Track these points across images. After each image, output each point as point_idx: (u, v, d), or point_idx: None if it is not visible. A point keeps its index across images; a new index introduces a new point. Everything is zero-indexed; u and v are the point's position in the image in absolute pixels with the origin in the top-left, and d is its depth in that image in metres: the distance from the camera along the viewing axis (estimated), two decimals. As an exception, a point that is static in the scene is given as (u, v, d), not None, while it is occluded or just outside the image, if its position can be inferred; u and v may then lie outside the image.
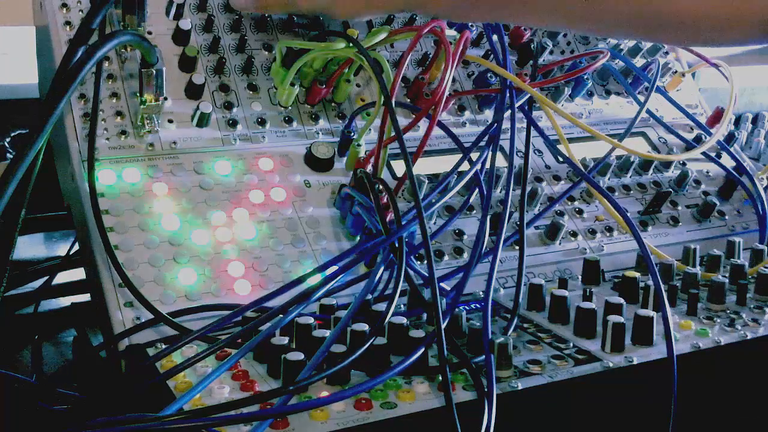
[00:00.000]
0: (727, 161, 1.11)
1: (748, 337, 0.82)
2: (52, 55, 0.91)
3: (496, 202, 0.96)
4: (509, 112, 0.96)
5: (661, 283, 0.81)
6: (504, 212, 0.87)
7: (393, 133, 0.87)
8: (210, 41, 0.96)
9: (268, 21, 1.00)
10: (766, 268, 0.90)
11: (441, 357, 0.71)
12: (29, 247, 1.23)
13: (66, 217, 0.93)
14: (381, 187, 0.84)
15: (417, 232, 0.87)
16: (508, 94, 0.96)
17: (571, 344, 0.79)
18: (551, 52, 1.11)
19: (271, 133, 0.94)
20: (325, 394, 0.68)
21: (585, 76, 1.08)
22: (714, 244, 1.00)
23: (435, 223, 0.92)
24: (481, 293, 0.87)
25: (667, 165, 1.09)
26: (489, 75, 1.04)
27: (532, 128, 0.98)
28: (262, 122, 0.94)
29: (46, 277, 1.10)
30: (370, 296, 0.78)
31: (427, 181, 0.92)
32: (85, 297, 1.02)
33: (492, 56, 1.02)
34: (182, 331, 0.77)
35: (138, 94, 0.88)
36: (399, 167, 0.96)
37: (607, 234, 0.99)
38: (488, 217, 0.86)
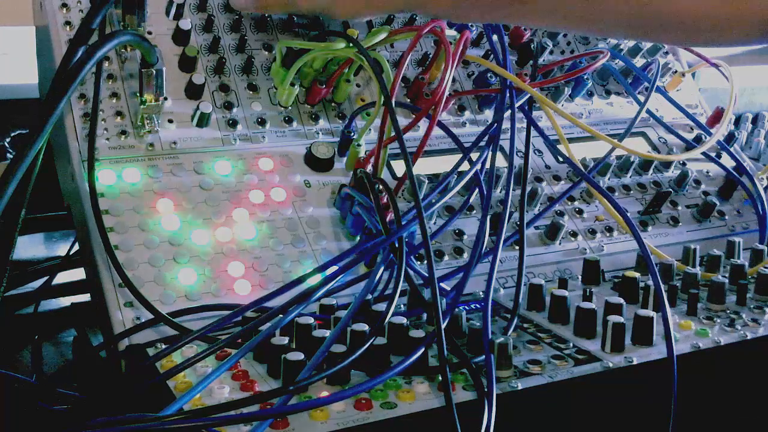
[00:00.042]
0: (727, 161, 1.11)
1: (748, 337, 0.82)
2: (52, 55, 0.91)
3: (496, 202, 0.96)
4: (509, 112, 0.96)
5: (661, 283, 0.81)
6: (504, 212, 0.87)
7: (393, 133, 0.87)
8: (210, 41, 0.96)
9: (268, 21, 1.00)
10: (766, 268, 0.90)
11: (441, 357, 0.71)
12: (29, 247, 1.23)
13: (66, 217, 0.93)
14: (381, 187, 0.84)
15: (417, 232, 0.87)
16: (508, 94, 0.96)
17: (571, 344, 0.79)
18: (551, 52, 1.11)
19: (271, 133, 0.94)
20: (325, 394, 0.68)
21: (585, 76, 1.08)
22: (714, 244, 1.00)
23: (435, 223, 0.92)
24: (481, 293, 0.87)
25: (667, 165, 1.09)
26: (489, 75, 1.04)
27: (532, 128, 0.98)
28: (262, 122, 0.94)
29: (46, 277, 1.10)
30: (370, 296, 0.78)
31: (427, 181, 0.92)
32: (85, 297, 1.03)
33: (492, 56, 1.02)
34: (182, 331, 0.77)
35: (138, 94, 0.88)
36: (399, 167, 0.96)
37: (607, 234, 0.99)
38: (488, 217, 0.86)
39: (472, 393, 0.70)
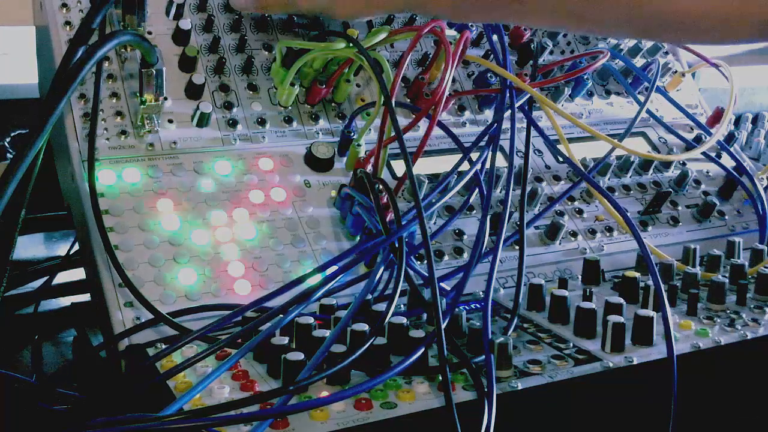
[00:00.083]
0: (727, 161, 1.11)
1: (748, 337, 0.82)
2: (52, 55, 0.91)
3: (496, 202, 0.96)
4: (509, 112, 0.96)
5: (661, 283, 0.81)
6: (504, 212, 0.87)
7: (393, 133, 0.87)
8: (210, 41, 0.96)
9: (268, 21, 1.00)
10: (766, 268, 0.90)
11: (441, 357, 0.71)
12: (29, 247, 1.23)
13: (66, 217, 0.93)
14: (381, 187, 0.84)
15: (417, 232, 0.87)
16: (508, 94, 0.96)
17: (571, 344, 0.79)
18: (551, 52, 1.11)
19: (271, 133, 0.94)
20: (325, 394, 0.68)
21: (585, 76, 1.08)
22: (714, 244, 1.00)
23: (435, 223, 0.92)
24: (481, 293, 0.87)
25: (667, 165, 1.09)
26: (489, 75, 1.04)
27: (532, 128, 0.98)
28: (262, 122, 0.94)
29: (46, 277, 1.10)
30: (370, 296, 0.78)
31: (427, 181, 0.92)
32: (85, 297, 1.03)
33: (492, 56, 1.02)
34: (182, 331, 0.77)
35: (138, 94, 0.88)
36: (399, 167, 0.96)
37: (607, 234, 0.99)
38: (488, 217, 0.86)
39: (472, 393, 0.70)
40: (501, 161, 0.97)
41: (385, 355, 0.71)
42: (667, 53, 1.19)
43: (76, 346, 0.99)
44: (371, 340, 0.70)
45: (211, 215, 0.86)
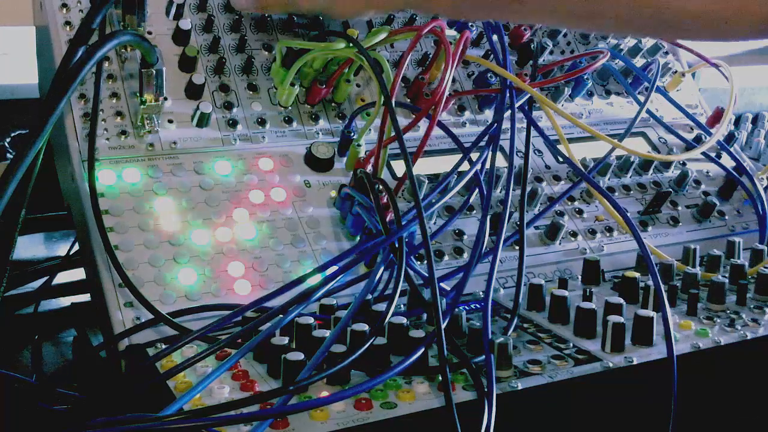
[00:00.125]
0: (727, 161, 1.11)
1: (748, 337, 0.82)
2: (52, 55, 0.91)
3: (496, 202, 0.96)
4: (509, 112, 0.96)
5: (661, 283, 0.81)
6: (504, 212, 0.87)
7: (393, 133, 0.87)
8: (210, 41, 0.96)
9: (268, 21, 1.00)
10: (766, 268, 0.90)
11: (441, 357, 0.71)
12: (29, 247, 1.23)
13: (66, 217, 0.93)
14: (381, 187, 0.84)
15: (417, 232, 0.87)
16: (508, 94, 0.96)
17: (571, 344, 0.79)
18: (551, 52, 1.11)
19: (271, 133, 0.94)
20: (325, 394, 0.68)
21: (585, 76, 1.08)
22: (714, 244, 1.00)
23: (435, 223, 0.92)
24: (481, 293, 0.87)
25: (667, 165, 1.09)
26: (489, 75, 1.04)
27: (532, 128, 0.98)
28: (262, 122, 0.94)
29: (46, 277, 1.10)
30: (370, 296, 0.78)
31: (427, 181, 0.92)
32: (85, 297, 1.03)
33: (492, 56, 1.02)
34: (182, 331, 0.77)
35: (138, 94, 0.88)
36: (399, 167, 0.96)
37: (607, 234, 0.99)
38: (488, 217, 0.86)
39: (472, 393, 0.70)
40: (501, 161, 0.97)
41: (385, 355, 0.71)
42: (667, 53, 1.19)
43: (76, 346, 0.99)
44: (371, 340, 0.70)
45: (211, 215, 0.86)
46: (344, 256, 0.82)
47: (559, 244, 0.96)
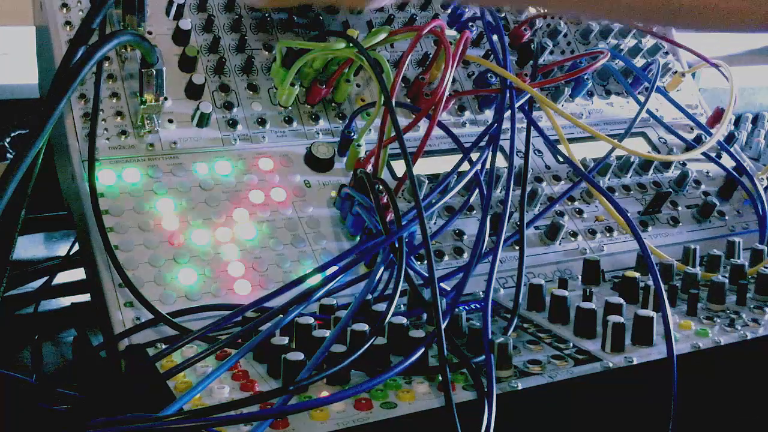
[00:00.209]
0: (727, 161, 1.11)
1: (748, 337, 0.82)
2: (52, 55, 0.91)
3: (496, 202, 0.96)
4: (509, 112, 0.96)
5: (661, 283, 0.81)
6: (504, 212, 0.87)
7: (393, 133, 0.87)
8: (210, 41, 0.96)
9: (268, 21, 1.00)
10: (766, 268, 0.90)
11: (441, 357, 0.71)
12: (29, 247, 1.23)
13: (66, 217, 0.93)
14: (381, 187, 0.84)
15: (417, 232, 0.87)
16: (508, 94, 0.96)
17: (571, 344, 0.79)
18: (551, 52, 1.11)
19: (271, 133, 0.94)
20: (325, 394, 0.68)
21: (585, 76, 1.08)
22: (714, 244, 1.00)
23: (435, 223, 0.92)
24: (481, 293, 0.87)
25: (667, 165, 1.08)
26: (489, 75, 1.04)
27: (532, 128, 0.98)
28: (262, 122, 0.94)
29: (46, 277, 1.10)
30: (370, 296, 0.78)
31: (427, 181, 0.92)
32: (85, 297, 1.02)
33: (492, 56, 1.02)
34: (182, 331, 0.77)
35: (138, 94, 0.88)
36: (399, 167, 0.96)
37: (607, 234, 0.99)
38: (488, 217, 0.86)
39: (472, 393, 0.70)
40: (501, 161, 0.97)
41: (385, 355, 0.71)
42: (667, 53, 1.20)
43: (76, 346, 0.99)
44: (371, 340, 0.70)
45: (211, 215, 0.86)
46: (344, 256, 0.82)
47: (559, 244, 0.96)
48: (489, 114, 1.05)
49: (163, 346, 0.75)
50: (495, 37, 1.01)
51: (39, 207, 0.96)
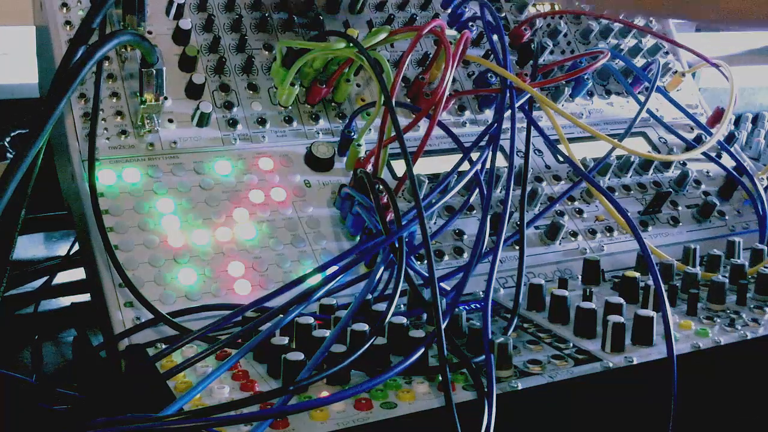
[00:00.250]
0: (728, 161, 1.11)
1: (748, 337, 0.82)
2: (52, 55, 0.91)
3: (496, 202, 0.96)
4: (509, 112, 0.96)
5: (661, 283, 0.81)
6: (504, 212, 0.87)
7: (393, 133, 0.87)
8: (210, 41, 0.96)
9: (269, 21, 1.00)
10: (766, 268, 0.90)
11: (441, 357, 0.71)
12: (29, 247, 1.23)
13: (66, 217, 0.93)
14: (381, 187, 0.84)
15: (417, 232, 0.87)
16: (508, 94, 0.96)
17: (571, 344, 0.79)
18: (551, 52, 1.11)
19: (271, 133, 0.94)
20: (325, 394, 0.68)
21: (585, 76, 1.08)
22: (714, 244, 1.00)
23: (435, 223, 0.92)
24: (481, 293, 0.87)
25: (667, 165, 1.09)
26: (489, 75, 1.04)
27: (532, 128, 0.98)
28: (262, 122, 0.94)
29: (46, 277, 1.10)
30: (370, 296, 0.78)
31: (427, 181, 0.92)
32: (85, 297, 1.02)
33: (492, 56, 1.02)
34: (182, 331, 0.77)
35: (138, 94, 0.88)
36: (399, 167, 0.96)
37: (607, 234, 0.99)
38: (488, 217, 0.86)
39: (472, 393, 0.70)
40: (501, 161, 0.97)
41: (385, 355, 0.71)
42: (667, 53, 1.20)
43: (76, 346, 0.99)
44: (371, 340, 0.70)
45: (211, 215, 0.86)
46: (344, 256, 0.82)
47: (559, 244, 0.96)
48: (489, 114, 1.05)
49: (163, 346, 0.75)
50: (495, 37, 1.01)
51: (39, 207, 0.96)
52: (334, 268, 0.80)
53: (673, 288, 0.86)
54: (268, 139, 0.94)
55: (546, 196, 1.00)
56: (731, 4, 0.85)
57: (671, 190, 1.05)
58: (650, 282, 0.83)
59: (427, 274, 0.80)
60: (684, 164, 1.10)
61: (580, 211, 1.00)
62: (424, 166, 0.94)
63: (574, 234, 0.98)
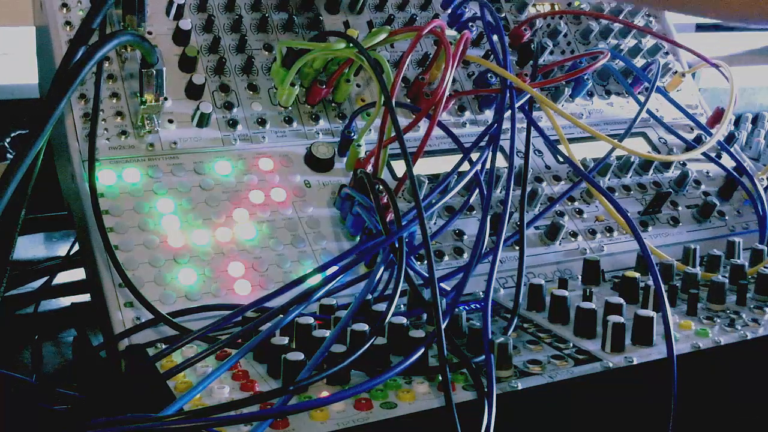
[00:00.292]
0: (727, 161, 1.11)
1: (748, 337, 0.82)
2: (52, 55, 0.91)
3: (496, 203, 0.96)
4: (509, 112, 0.96)
5: (661, 283, 0.81)
6: (504, 212, 0.87)
7: (393, 134, 0.87)
8: (210, 41, 0.96)
9: (269, 21, 1.00)
10: (766, 268, 0.90)
11: (441, 357, 0.71)
12: (29, 247, 1.23)
13: (66, 217, 0.93)
14: (381, 187, 0.84)
15: (417, 233, 0.87)
16: (508, 94, 0.96)
17: (571, 344, 0.79)
18: (551, 52, 1.11)
19: (271, 133, 0.94)
20: (325, 394, 0.68)
21: (585, 77, 1.08)
22: (714, 244, 1.00)
23: (435, 224, 0.92)
24: (481, 293, 0.87)
25: (667, 165, 1.09)
26: (489, 75, 1.04)
27: (532, 128, 0.98)
28: (262, 122, 0.94)
29: (46, 277, 1.10)
30: (370, 296, 0.78)
31: (427, 182, 0.92)
32: (85, 297, 1.02)
33: (492, 56, 1.02)
34: (182, 331, 0.77)
35: (138, 94, 0.88)
36: (399, 167, 0.96)
37: (607, 234, 0.99)
38: (488, 218, 0.86)
39: (472, 393, 0.70)
40: (501, 161, 0.97)
41: (385, 355, 0.71)
42: (667, 53, 1.20)
43: (76, 346, 0.99)
44: (371, 340, 0.70)
45: (211, 215, 0.86)
46: (344, 256, 0.82)
47: (559, 244, 0.96)
48: (489, 114, 1.05)
49: (163, 346, 0.75)
50: (495, 37, 1.01)
51: (39, 207, 0.96)
52: (334, 268, 0.80)
53: (673, 288, 0.86)
54: (268, 139, 0.94)
55: (546, 197, 1.00)
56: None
57: (671, 190, 1.05)
58: (650, 282, 0.83)
59: (427, 274, 0.80)
60: (684, 164, 1.10)
61: (580, 212, 1.00)
62: (424, 167, 0.94)
63: (574, 234, 0.98)
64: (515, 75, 0.99)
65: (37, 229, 1.24)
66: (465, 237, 0.93)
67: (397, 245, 0.79)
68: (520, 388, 0.71)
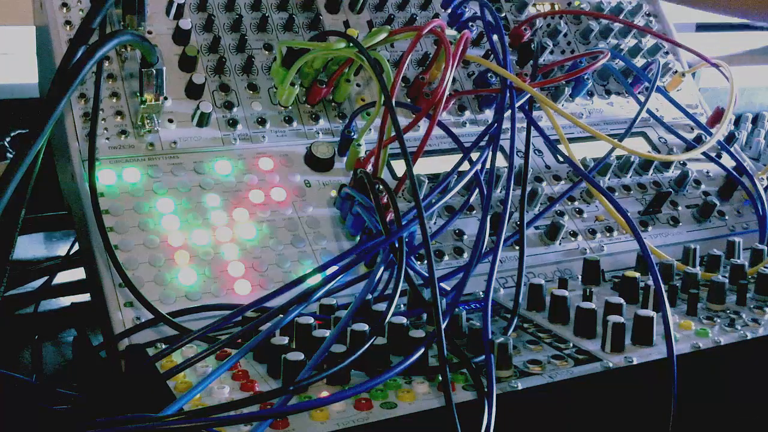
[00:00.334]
0: (728, 161, 1.11)
1: (748, 337, 0.82)
2: (52, 55, 0.91)
3: (496, 202, 0.96)
4: (509, 112, 0.96)
5: (661, 283, 0.81)
6: (504, 212, 0.87)
7: (393, 133, 0.87)
8: (210, 41, 0.96)
9: (269, 21, 1.00)
10: (766, 268, 0.90)
11: (441, 357, 0.71)
12: (29, 247, 1.23)
13: (66, 217, 0.93)
14: (381, 187, 0.84)
15: (417, 232, 0.87)
16: (508, 94, 0.96)
17: (571, 344, 0.79)
18: (551, 52, 1.11)
19: (271, 133, 0.94)
20: (325, 394, 0.68)
21: (585, 76, 1.08)
22: (714, 244, 1.00)
23: (435, 223, 0.92)
24: (481, 293, 0.87)
25: (667, 165, 1.09)
26: (489, 75, 1.04)
27: (532, 128, 0.98)
28: (262, 122, 0.94)
29: (46, 277, 1.10)
30: (370, 296, 0.78)
31: (427, 181, 0.92)
32: (85, 297, 1.02)
33: (492, 56, 1.02)
34: (182, 331, 0.77)
35: (138, 94, 0.88)
36: (399, 167, 0.96)
37: (607, 234, 0.99)
38: (488, 217, 0.86)
39: (472, 393, 0.70)
40: (501, 161, 0.97)
41: (385, 355, 0.71)
42: (667, 53, 1.20)
43: (76, 346, 0.99)
44: (371, 340, 0.70)
45: (211, 215, 0.86)
46: (344, 256, 0.82)
47: (559, 244, 0.96)
48: (489, 114, 1.05)
49: (163, 346, 0.75)
50: (495, 37, 1.01)
51: (39, 207, 0.96)
52: (334, 268, 0.80)
53: (673, 288, 0.86)
54: (268, 139, 0.94)
55: (546, 196, 1.00)
56: None
57: (671, 190, 1.05)
58: (650, 282, 0.83)
59: (427, 274, 0.80)
60: (684, 164, 1.10)
61: (580, 211, 1.00)
62: (424, 166, 0.94)
63: (574, 234, 0.98)
64: (515, 75, 0.99)
65: (37, 229, 1.24)
66: (465, 237, 0.93)
67: (397, 245, 0.79)
68: (520, 388, 0.71)
